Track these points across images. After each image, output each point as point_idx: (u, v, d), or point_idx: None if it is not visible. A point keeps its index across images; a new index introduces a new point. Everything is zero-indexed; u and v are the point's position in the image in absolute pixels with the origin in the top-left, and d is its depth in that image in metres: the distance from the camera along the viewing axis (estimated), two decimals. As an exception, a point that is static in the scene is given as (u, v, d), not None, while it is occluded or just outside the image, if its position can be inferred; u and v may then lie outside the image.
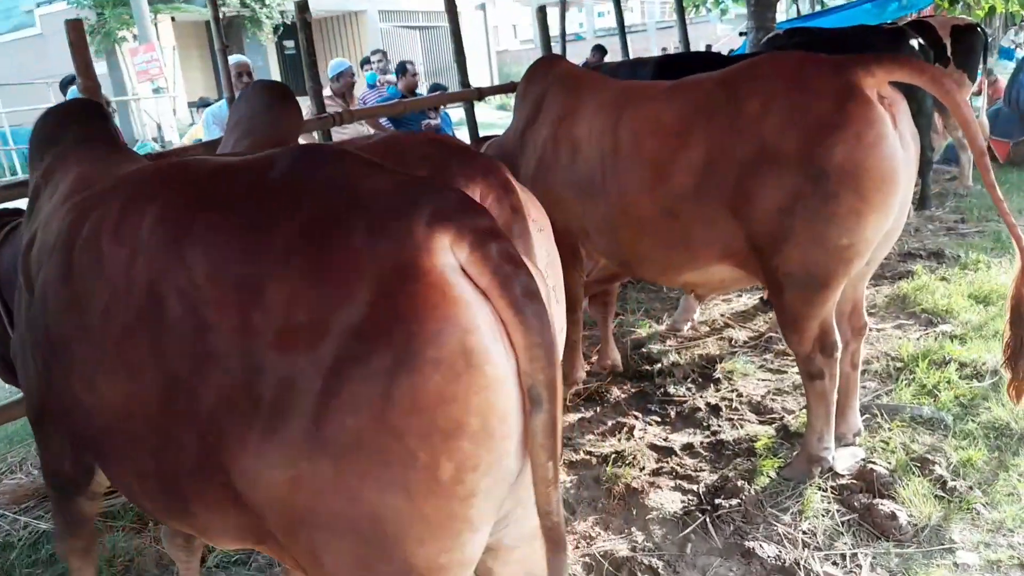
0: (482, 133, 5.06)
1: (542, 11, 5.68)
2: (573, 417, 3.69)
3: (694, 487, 3.03)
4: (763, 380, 3.89)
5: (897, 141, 2.56)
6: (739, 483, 2.96)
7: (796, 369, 3.25)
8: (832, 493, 2.89)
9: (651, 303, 5.14)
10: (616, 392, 3.89)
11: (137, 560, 2.92)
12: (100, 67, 18.80)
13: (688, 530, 2.78)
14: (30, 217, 1.98)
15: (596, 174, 3.11)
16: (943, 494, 2.80)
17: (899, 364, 3.84)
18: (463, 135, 6.42)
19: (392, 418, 1.19)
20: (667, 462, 3.23)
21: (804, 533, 2.70)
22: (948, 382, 3.54)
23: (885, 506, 2.74)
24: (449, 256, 1.24)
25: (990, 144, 7.32)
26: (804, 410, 3.19)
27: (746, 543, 2.65)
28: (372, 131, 6.96)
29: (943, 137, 7.78)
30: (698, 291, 3.47)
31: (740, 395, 3.74)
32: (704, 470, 3.16)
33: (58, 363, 1.62)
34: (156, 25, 18.39)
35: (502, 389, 1.25)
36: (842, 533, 2.69)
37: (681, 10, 7.45)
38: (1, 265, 2.42)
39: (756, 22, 7.78)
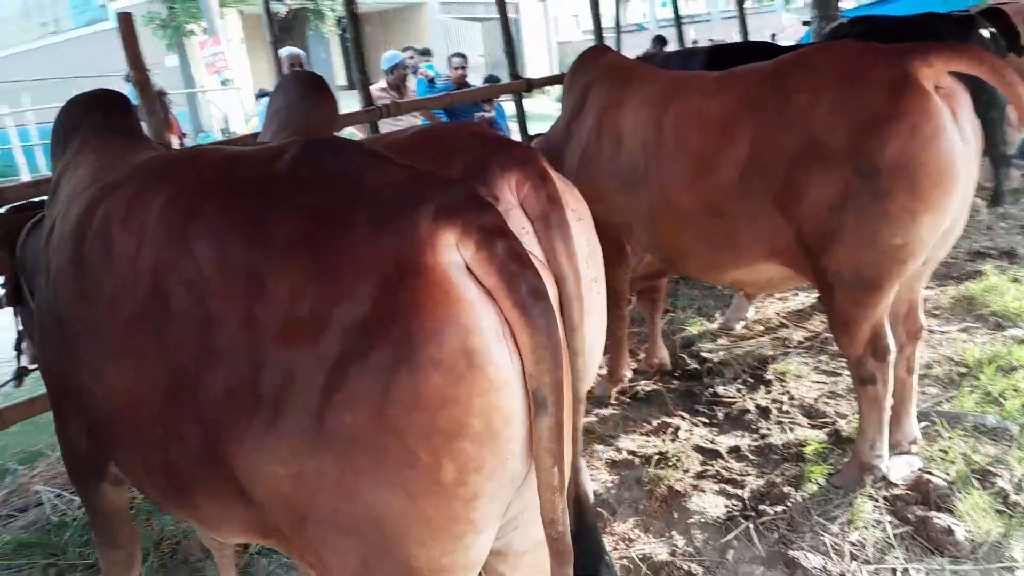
0: (540, 126, 5.00)
1: (595, 2, 5.58)
2: (617, 416, 3.62)
3: (739, 492, 2.94)
4: (817, 382, 3.75)
5: (956, 135, 2.42)
6: (786, 489, 2.86)
7: (850, 372, 3.12)
8: (884, 504, 2.77)
9: (704, 300, 5.02)
10: (663, 391, 3.81)
11: (184, 543, 2.97)
12: (171, 60, 19.40)
13: (730, 536, 2.70)
14: (50, 207, 2.01)
15: (639, 167, 3.04)
16: (1005, 509, 2.65)
17: (963, 369, 3.66)
18: (517, 128, 6.37)
19: (392, 417, 1.16)
20: (712, 465, 3.14)
21: (852, 545, 2.59)
22: (1015, 390, 3.36)
23: (941, 519, 2.61)
24: (454, 253, 1.21)
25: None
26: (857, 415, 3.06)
27: (790, 552, 2.56)
28: (427, 123, 6.99)
29: (1019, 130, 7.40)
30: (746, 289, 3.36)
31: (792, 397, 3.62)
32: (750, 474, 3.06)
33: (69, 352, 1.64)
34: (224, 19, 18.81)
35: (506, 391, 1.21)
36: (893, 546, 2.57)
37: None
38: (27, 257, 2.48)
39: (820, 10, 7.53)
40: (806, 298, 4.81)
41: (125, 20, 3.06)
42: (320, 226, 1.24)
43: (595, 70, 3.43)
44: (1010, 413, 3.20)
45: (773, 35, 18.72)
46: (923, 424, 3.19)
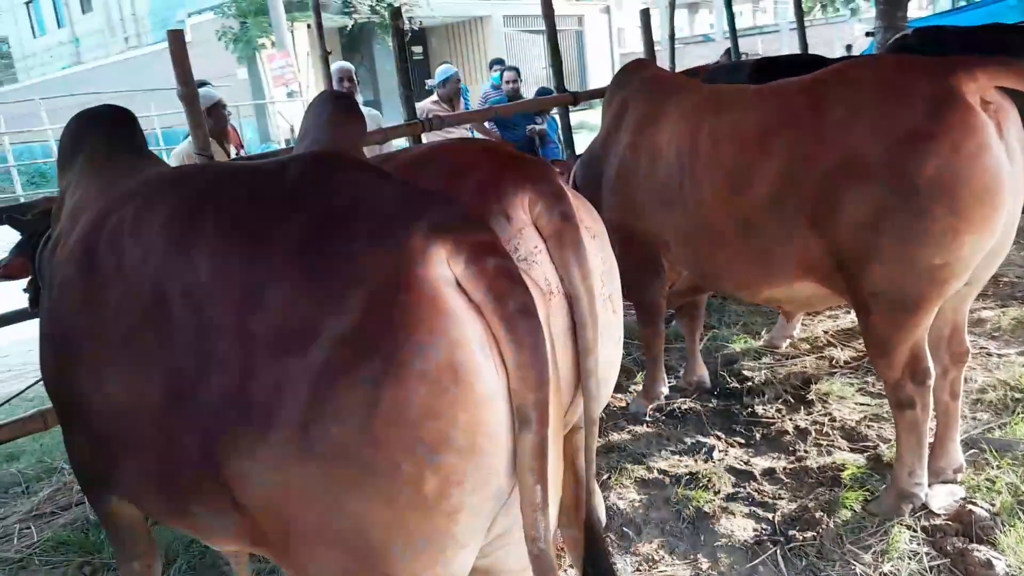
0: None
1: (645, 14, 5.55)
2: (651, 433, 3.57)
3: (769, 515, 2.86)
4: (861, 404, 3.63)
5: (1002, 151, 2.32)
6: (818, 515, 2.78)
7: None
8: (922, 534, 2.66)
9: (750, 316, 4.92)
10: (700, 410, 3.73)
11: (214, 546, 3.04)
12: (241, 72, 19.99)
13: (757, 561, 2.63)
14: (55, 223, 2.06)
15: (674, 182, 3.00)
16: (1051, 544, 2.52)
17: (1018, 395, 3.49)
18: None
19: (377, 428, 1.18)
20: (744, 487, 3.07)
21: (884, 575, 2.49)
22: (1073, 418, 3.20)
23: (981, 552, 2.49)
24: (444, 269, 1.22)
25: None
26: (899, 440, 2.94)
27: (818, 581, 2.48)
28: (479, 135, 7.04)
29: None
30: (783, 308, 3.28)
31: (833, 419, 3.51)
32: (783, 498, 2.98)
33: (72, 364, 1.69)
34: (293, 32, 19.31)
35: (491, 406, 1.22)
36: (928, 579, 2.47)
37: (799, 11, 7.09)
38: (43, 265, 2.54)
39: (885, 21, 7.33)
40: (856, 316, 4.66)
41: (175, 37, 3.17)
42: (315, 239, 1.27)
43: (634, 84, 3.41)
44: (1065, 443, 3.04)
45: (848, 46, 18.18)
46: (971, 451, 3.06)
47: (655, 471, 3.24)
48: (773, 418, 3.59)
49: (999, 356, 3.92)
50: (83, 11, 27.19)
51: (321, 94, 2.77)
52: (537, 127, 6.99)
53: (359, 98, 5.68)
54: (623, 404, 3.89)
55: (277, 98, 18.80)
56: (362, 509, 1.21)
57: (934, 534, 2.65)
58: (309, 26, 21.64)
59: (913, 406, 2.66)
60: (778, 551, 2.64)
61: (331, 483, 1.21)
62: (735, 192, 2.77)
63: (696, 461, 3.29)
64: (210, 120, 5.01)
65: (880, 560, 2.55)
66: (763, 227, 2.73)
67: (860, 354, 4.17)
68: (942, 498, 2.80)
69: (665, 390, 3.81)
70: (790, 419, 3.55)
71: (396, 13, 4.47)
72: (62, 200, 2.07)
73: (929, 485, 2.80)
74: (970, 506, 2.72)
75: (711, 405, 3.79)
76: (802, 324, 4.55)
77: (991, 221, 2.35)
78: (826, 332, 4.53)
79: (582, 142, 5.24)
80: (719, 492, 3.04)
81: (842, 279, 2.63)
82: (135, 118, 2.31)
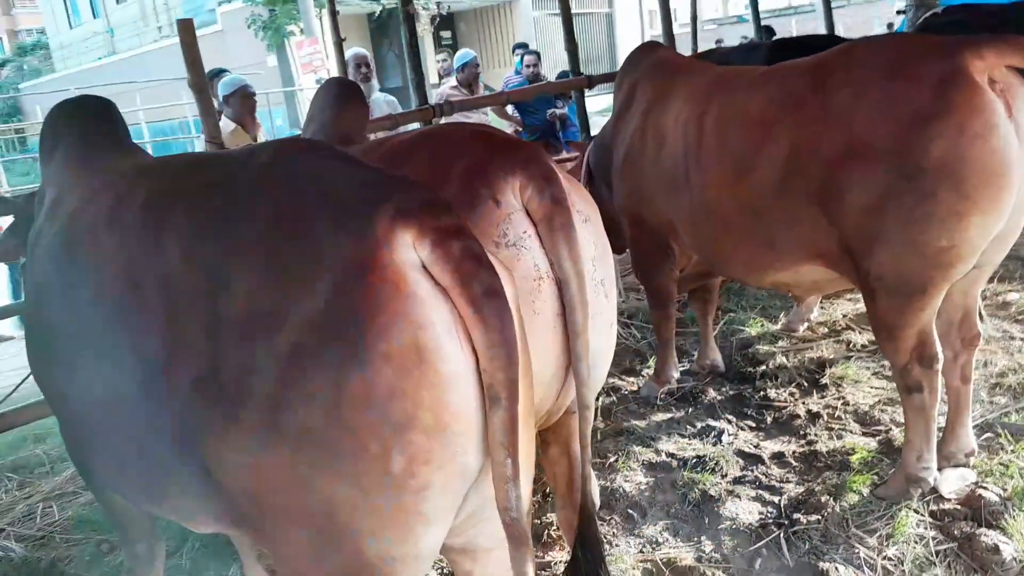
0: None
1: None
2: (661, 417, 3.57)
3: (775, 499, 2.86)
4: (875, 388, 3.59)
5: (1011, 132, 2.27)
6: (824, 498, 2.76)
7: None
8: (930, 518, 2.63)
9: (769, 300, 4.87)
10: (712, 394, 3.73)
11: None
12: (271, 60, 20.12)
13: (760, 544, 2.63)
14: (37, 216, 2.05)
15: (680, 166, 2.98)
16: (1061, 530, 2.48)
17: (1038, 379, 3.44)
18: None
19: (343, 410, 1.20)
20: (752, 470, 3.06)
21: (888, 560, 2.48)
22: (1093, 403, 3.14)
23: (989, 537, 2.47)
24: (410, 252, 1.24)
25: None
26: (910, 424, 2.91)
27: (820, 564, 2.48)
28: (500, 120, 7.04)
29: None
30: (793, 292, 3.25)
31: (846, 403, 3.48)
32: (790, 481, 2.97)
33: (52, 354, 1.74)
34: (320, 19, 19.37)
35: (456, 385, 1.24)
36: (934, 563, 2.45)
37: (828, -11, 6.96)
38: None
39: (916, -2, 7.14)
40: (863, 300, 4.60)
41: (185, 27, 3.21)
42: (282, 225, 1.29)
43: (642, 67, 3.39)
44: (1083, 428, 2.99)
45: (889, 25, 17.74)
46: (986, 435, 3.03)
47: (663, 454, 3.24)
48: (785, 402, 3.57)
49: (1022, 340, 3.85)
50: (117, 1, 27.53)
51: (328, 80, 2.79)
52: (558, 111, 6.96)
53: (375, 84, 5.70)
54: (635, 388, 3.89)
55: (306, 85, 18.90)
56: (331, 489, 1.24)
57: (942, 518, 2.63)
58: (337, 12, 21.76)
59: (921, 390, 2.63)
60: (782, 534, 2.64)
61: (300, 464, 1.24)
62: (740, 175, 2.75)
63: (705, 444, 3.29)
64: (237, 105, 5.08)
65: (885, 544, 2.54)
66: (769, 211, 2.71)
67: (878, 338, 4.12)
68: (953, 482, 2.77)
69: (677, 374, 3.80)
70: (803, 403, 3.53)
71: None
72: (44, 193, 2.08)
73: (940, 469, 2.77)
74: (980, 490, 2.69)
75: (724, 389, 3.77)
76: (821, 307, 4.50)
77: (999, 203, 2.31)
78: (845, 315, 4.48)
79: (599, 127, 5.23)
80: (726, 475, 3.04)
81: (849, 263, 2.60)
82: (114, 108, 2.27)
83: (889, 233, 2.43)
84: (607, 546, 2.67)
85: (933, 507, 2.68)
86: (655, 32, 31.38)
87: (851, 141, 2.45)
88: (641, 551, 2.68)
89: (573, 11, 5.47)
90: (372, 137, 3.09)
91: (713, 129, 2.84)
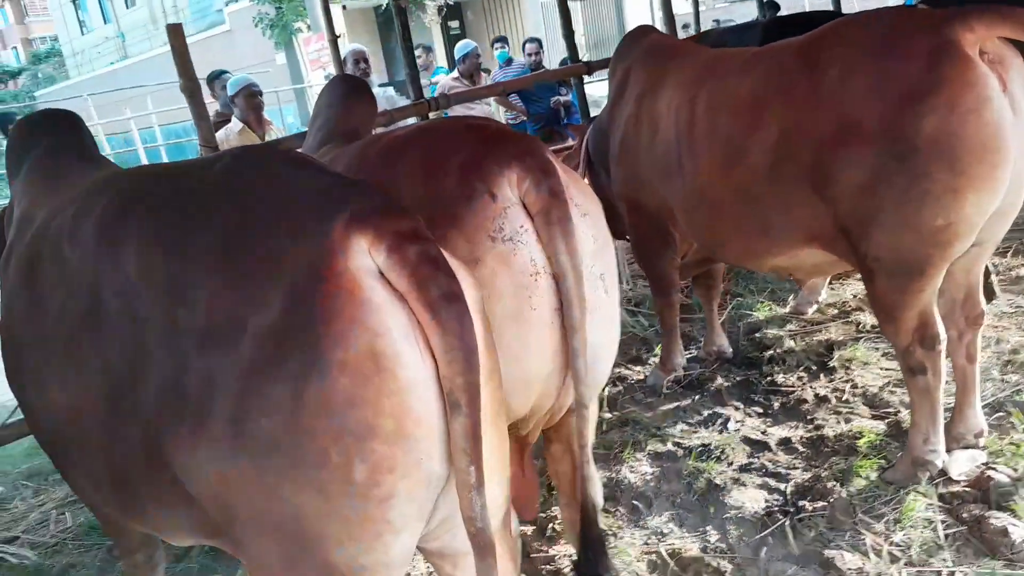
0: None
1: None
2: (668, 405, 3.54)
3: (781, 486, 2.83)
4: (885, 370, 3.54)
5: (1005, 105, 2.22)
6: (830, 484, 2.73)
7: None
8: (939, 501, 2.59)
9: (778, 283, 4.81)
10: (719, 380, 3.69)
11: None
12: (280, 58, 20.15)
13: (766, 532, 2.60)
14: (7, 230, 2.06)
15: (673, 152, 2.95)
16: (1073, 510, 2.43)
17: (1052, 356, 3.37)
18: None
19: (304, 419, 1.20)
20: (759, 457, 3.03)
21: (896, 545, 2.45)
22: (1107, 379, 3.07)
23: (999, 519, 2.42)
24: (365, 258, 1.23)
25: None
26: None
27: (826, 552, 2.45)
28: (503, 109, 7.01)
29: None
30: (794, 276, 3.20)
31: (855, 386, 3.43)
32: (797, 468, 2.93)
33: (23, 371, 1.74)
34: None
35: (417, 392, 1.23)
36: (942, 548, 2.41)
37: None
38: None
39: (922, -31, 6.99)
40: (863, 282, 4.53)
41: (175, 32, 3.21)
42: (238, 235, 1.29)
43: (635, 53, 3.34)
44: (1096, 405, 2.93)
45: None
46: (998, 415, 2.97)
47: (669, 443, 3.22)
48: (793, 386, 3.53)
49: (1036, 316, 3.78)
50: (127, 6, 27.69)
51: (334, 77, 2.79)
52: (562, 98, 6.91)
53: (374, 80, 5.69)
54: (641, 377, 3.87)
55: (315, 81, 18.92)
56: (296, 499, 1.24)
57: (951, 501, 2.59)
58: (344, 7, 21.72)
59: (924, 372, 2.58)
60: (787, 522, 2.61)
61: (265, 474, 1.24)
62: (733, 160, 2.71)
63: (711, 432, 3.26)
64: (242, 104, 5.10)
65: (892, 529, 2.51)
66: (763, 195, 2.67)
67: (887, 317, 4.06)
68: (962, 464, 2.72)
69: (682, 361, 3.77)
70: (810, 387, 3.49)
71: (397, -8, 4.43)
72: (12, 208, 2.09)
73: (949, 451, 2.73)
74: (990, 471, 2.64)
75: (731, 375, 3.74)
76: (831, 288, 4.44)
77: (994, 178, 2.25)
78: (855, 296, 4.41)
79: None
80: (732, 463, 3.01)
81: (846, 244, 2.55)
82: (80, 121, 2.27)
83: (885, 213, 2.39)
84: (612, 538, 2.65)
85: (942, 490, 2.64)
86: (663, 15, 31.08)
87: (842, 121, 2.40)
88: (646, 543, 2.66)
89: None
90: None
91: (703, 113, 2.80)
